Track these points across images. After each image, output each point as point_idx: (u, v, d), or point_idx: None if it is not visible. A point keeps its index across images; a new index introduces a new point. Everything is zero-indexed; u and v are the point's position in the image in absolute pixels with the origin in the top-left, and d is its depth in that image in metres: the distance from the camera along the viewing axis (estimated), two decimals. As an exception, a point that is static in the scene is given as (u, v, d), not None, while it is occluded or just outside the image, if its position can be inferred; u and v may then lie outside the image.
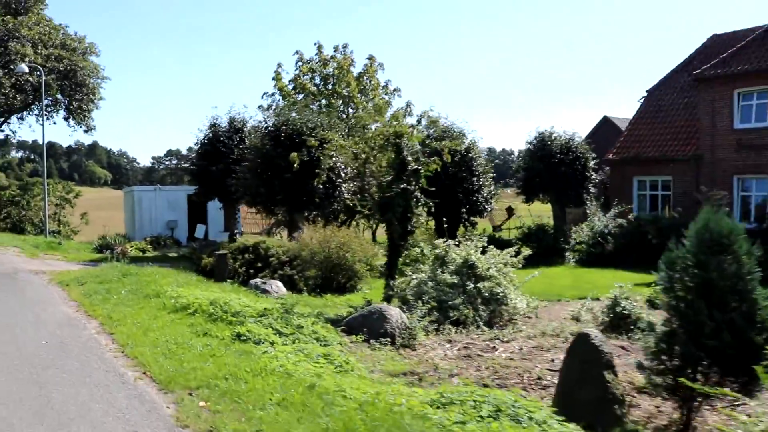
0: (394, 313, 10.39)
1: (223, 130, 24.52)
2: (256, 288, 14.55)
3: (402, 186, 12.75)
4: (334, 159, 18.80)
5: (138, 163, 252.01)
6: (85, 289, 12.77)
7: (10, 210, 35.28)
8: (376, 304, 11.41)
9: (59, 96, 36.57)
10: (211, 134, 24.46)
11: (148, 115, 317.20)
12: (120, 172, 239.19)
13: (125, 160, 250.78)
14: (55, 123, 37.61)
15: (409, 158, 12.94)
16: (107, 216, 46.55)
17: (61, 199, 36.97)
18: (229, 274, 15.48)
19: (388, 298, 12.94)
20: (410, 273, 13.67)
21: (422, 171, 13.00)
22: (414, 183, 13.01)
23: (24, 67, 27.20)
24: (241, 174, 19.83)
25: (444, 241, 13.42)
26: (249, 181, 19.17)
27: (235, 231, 25.53)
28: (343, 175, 19.42)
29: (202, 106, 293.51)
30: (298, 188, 18.59)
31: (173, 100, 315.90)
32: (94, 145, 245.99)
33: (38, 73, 32.52)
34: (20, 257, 21.12)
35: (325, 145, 18.84)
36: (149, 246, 26.84)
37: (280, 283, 15.10)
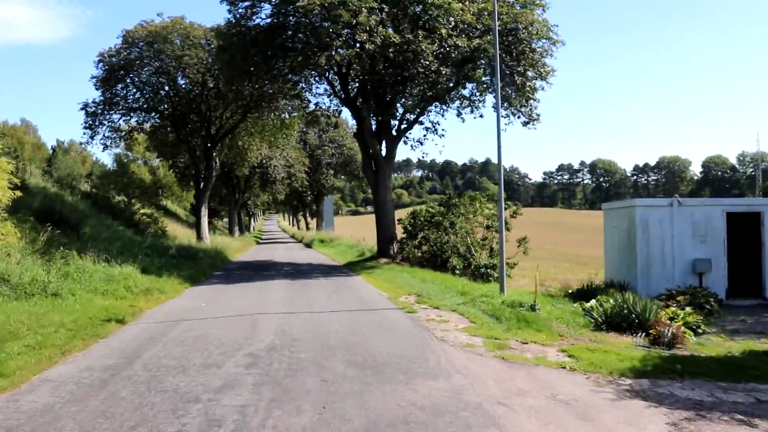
0: None
1: None
2: None
3: None
4: None
5: (529, 179, 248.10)
6: None
7: (428, 234, 25.41)
8: None
9: (485, 77, 25.60)
10: None
11: (545, 125, 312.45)
12: (511, 188, 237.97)
13: (516, 176, 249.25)
14: (482, 116, 26.40)
15: None
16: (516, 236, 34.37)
17: (493, 218, 25.93)
18: None
19: None
20: None
21: None
22: None
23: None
24: None
25: None
26: None
27: None
28: None
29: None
30: None
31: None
32: (487, 162, 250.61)
33: (471, 32, 21.82)
34: (477, 351, 9.28)
35: None
36: (698, 317, 12.93)
37: None
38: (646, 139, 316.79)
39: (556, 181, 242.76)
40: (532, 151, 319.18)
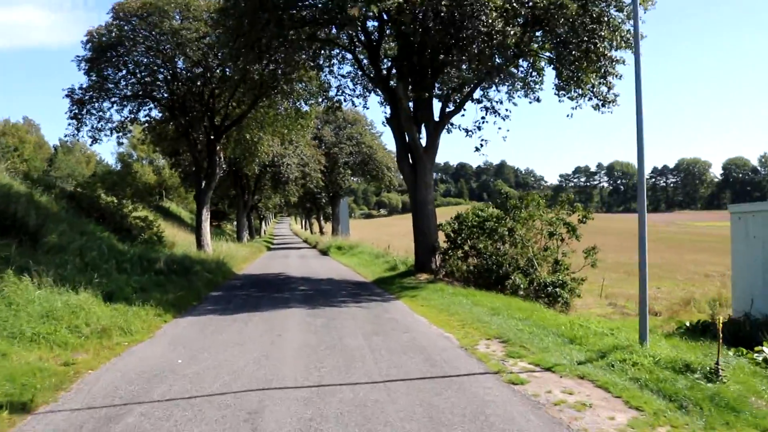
0: None
1: None
2: None
3: None
4: None
5: (545, 182, 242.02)
6: None
7: (476, 242, 20.44)
8: None
9: (548, 53, 20.77)
10: None
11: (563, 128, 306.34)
12: (527, 191, 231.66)
13: (532, 179, 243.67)
14: (538, 100, 21.43)
15: None
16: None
17: (557, 223, 20.96)
18: None
19: None
20: None
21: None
22: None
23: None
24: None
25: None
26: None
27: None
28: None
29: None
30: None
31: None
32: (501, 165, 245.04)
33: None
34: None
35: None
36: None
37: None
38: (665, 141, 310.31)
39: (572, 184, 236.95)
40: (549, 153, 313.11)
